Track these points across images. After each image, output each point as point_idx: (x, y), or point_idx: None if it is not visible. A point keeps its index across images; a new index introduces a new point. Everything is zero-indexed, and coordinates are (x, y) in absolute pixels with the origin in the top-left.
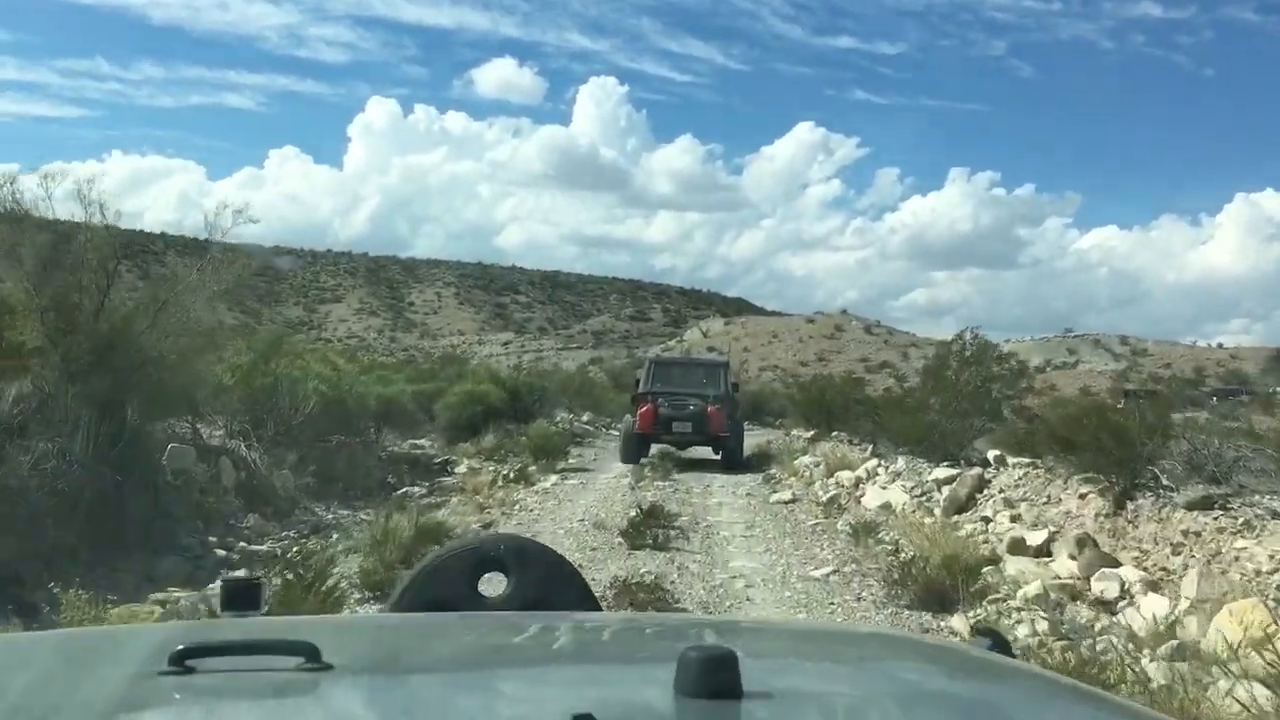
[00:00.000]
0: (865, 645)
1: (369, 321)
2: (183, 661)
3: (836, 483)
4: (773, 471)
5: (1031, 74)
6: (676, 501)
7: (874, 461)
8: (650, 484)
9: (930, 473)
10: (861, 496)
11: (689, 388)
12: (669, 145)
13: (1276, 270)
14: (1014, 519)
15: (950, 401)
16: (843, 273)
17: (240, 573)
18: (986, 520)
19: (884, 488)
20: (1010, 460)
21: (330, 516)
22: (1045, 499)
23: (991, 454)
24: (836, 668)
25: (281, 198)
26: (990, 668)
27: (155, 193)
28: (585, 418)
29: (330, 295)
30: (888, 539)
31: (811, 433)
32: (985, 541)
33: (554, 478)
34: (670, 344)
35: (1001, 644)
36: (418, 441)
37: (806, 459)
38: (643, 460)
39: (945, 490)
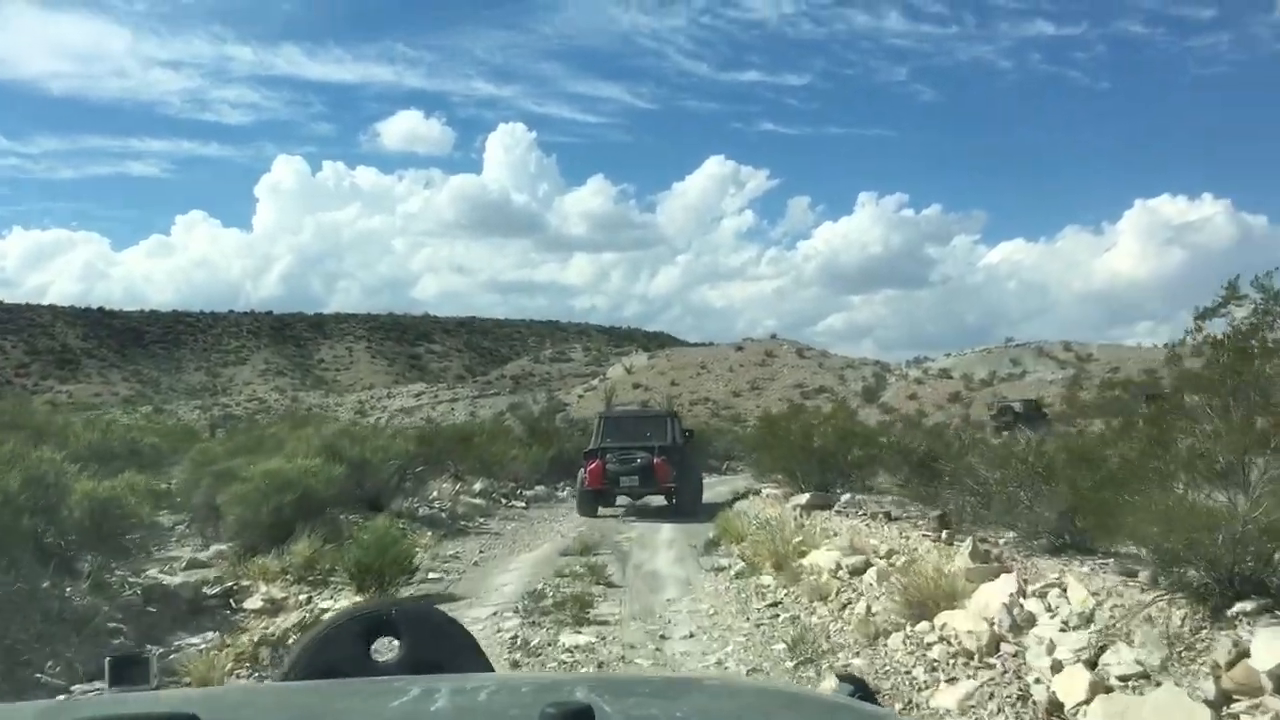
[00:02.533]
0: (737, 697)
1: (275, 382)
2: None
3: (944, 638)
4: (766, 582)
5: (933, 97)
6: None
7: (1007, 585)
8: (554, 637)
9: (1225, 641)
10: (1065, 705)
11: (637, 440)
12: (581, 187)
13: (1177, 272)
14: None
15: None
16: (761, 302)
17: None
18: None
19: (1101, 668)
20: None
21: None
22: None
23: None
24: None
25: (190, 263)
26: (856, 717)
27: (59, 266)
28: (477, 488)
29: (234, 358)
30: None
31: (806, 497)
32: None
33: None
34: (593, 383)
35: (865, 691)
36: (206, 556)
37: (826, 554)
38: (552, 573)
39: None
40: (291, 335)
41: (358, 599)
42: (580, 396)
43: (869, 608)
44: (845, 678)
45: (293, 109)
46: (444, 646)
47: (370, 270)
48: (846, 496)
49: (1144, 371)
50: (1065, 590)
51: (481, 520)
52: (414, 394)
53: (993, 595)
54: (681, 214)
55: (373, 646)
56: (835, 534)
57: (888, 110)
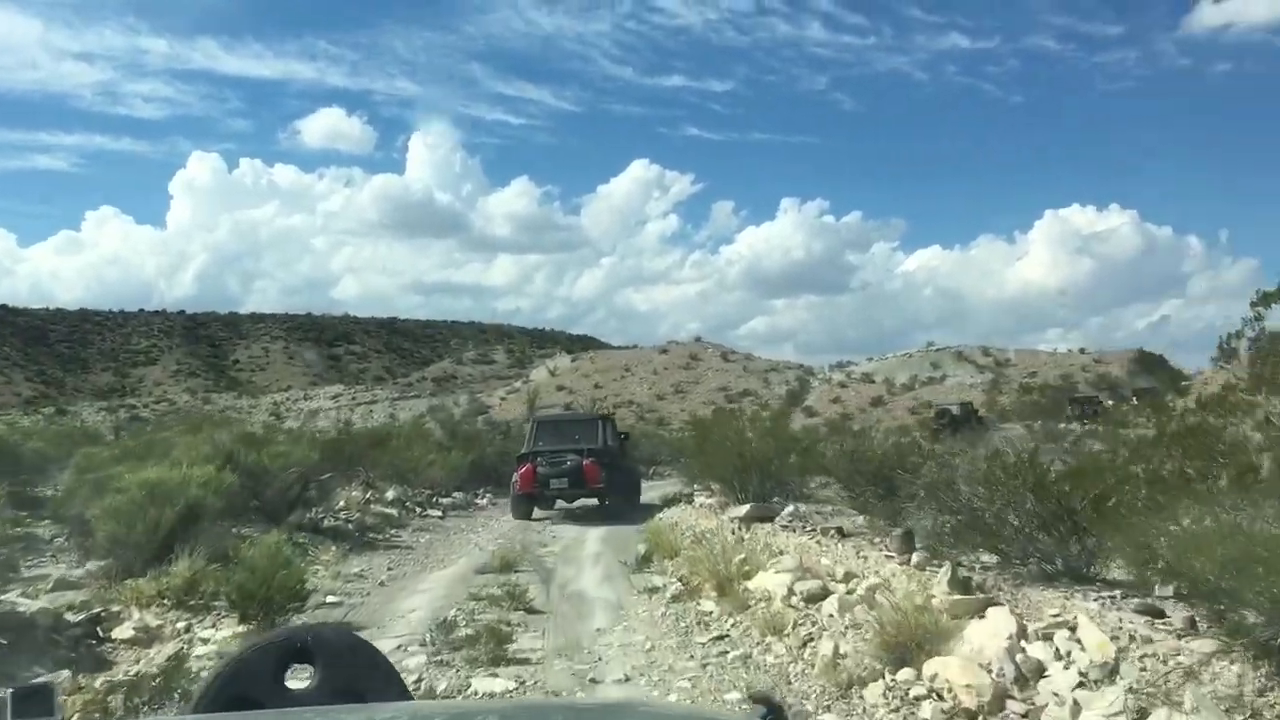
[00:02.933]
0: None
1: (188, 383)
2: None
3: (935, 690)
4: (709, 608)
5: (853, 106)
6: None
7: (1002, 624)
8: (465, 680)
9: None
10: None
11: (568, 444)
12: (505, 189)
13: (1085, 280)
14: None
15: None
16: (684, 305)
17: None
18: None
19: None
20: None
21: None
22: None
23: None
24: None
25: (101, 260)
26: None
27: None
28: (390, 496)
29: (144, 358)
30: None
31: (745, 509)
32: None
33: None
34: (517, 385)
35: (778, 713)
36: (77, 575)
37: (776, 577)
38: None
39: None
40: (206, 335)
41: (240, 629)
42: (503, 399)
43: (837, 648)
44: (759, 698)
45: (209, 104)
46: (361, 674)
47: (289, 270)
48: (790, 509)
49: (1060, 376)
50: (1075, 631)
51: (393, 532)
52: (331, 395)
53: (987, 636)
54: (606, 217)
55: (287, 675)
56: (782, 552)
57: (810, 118)
